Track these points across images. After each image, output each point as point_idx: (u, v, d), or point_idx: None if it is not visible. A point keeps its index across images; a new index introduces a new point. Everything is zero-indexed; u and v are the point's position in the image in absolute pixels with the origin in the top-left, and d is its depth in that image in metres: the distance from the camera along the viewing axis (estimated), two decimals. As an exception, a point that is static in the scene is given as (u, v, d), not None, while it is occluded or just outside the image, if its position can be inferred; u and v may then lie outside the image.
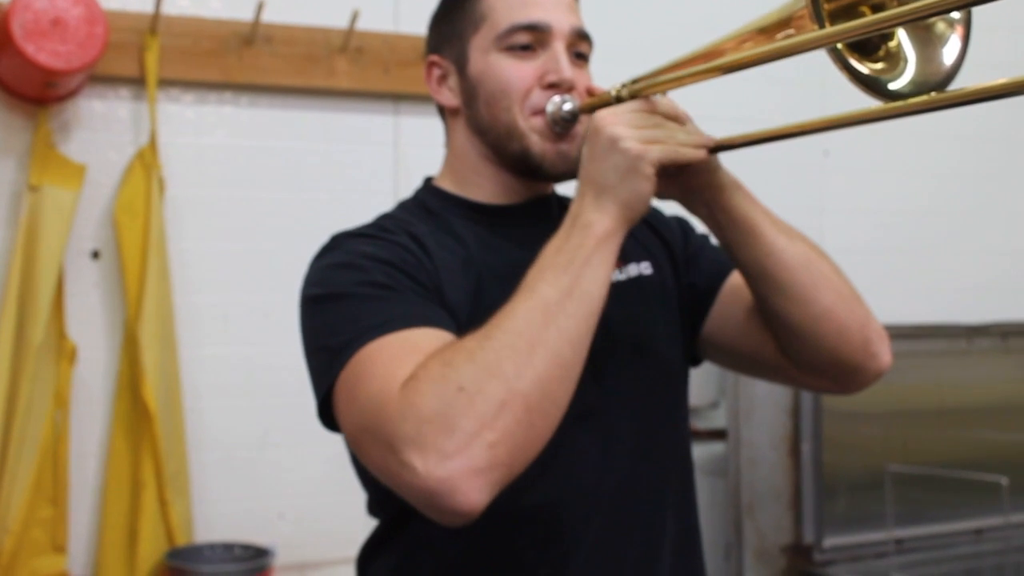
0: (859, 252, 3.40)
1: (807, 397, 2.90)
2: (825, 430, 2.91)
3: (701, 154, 1.19)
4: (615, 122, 1.16)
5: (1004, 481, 2.69)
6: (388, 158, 2.95)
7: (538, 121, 1.31)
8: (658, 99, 1.21)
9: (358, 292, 1.19)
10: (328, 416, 1.20)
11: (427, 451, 1.00)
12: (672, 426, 1.41)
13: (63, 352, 2.58)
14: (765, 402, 2.88)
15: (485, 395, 1.02)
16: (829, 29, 1.00)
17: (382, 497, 1.32)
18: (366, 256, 1.23)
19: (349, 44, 2.85)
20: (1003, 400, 3.30)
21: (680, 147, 1.17)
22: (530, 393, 1.04)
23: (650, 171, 1.14)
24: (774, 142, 1.21)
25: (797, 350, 1.33)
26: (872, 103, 1.07)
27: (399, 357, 1.09)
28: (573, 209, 1.18)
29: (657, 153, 1.15)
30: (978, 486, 2.83)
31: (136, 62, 2.67)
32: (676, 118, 1.20)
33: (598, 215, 1.15)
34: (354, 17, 2.80)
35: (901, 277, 3.55)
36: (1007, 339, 3.31)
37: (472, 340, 1.07)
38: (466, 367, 1.04)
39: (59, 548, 2.55)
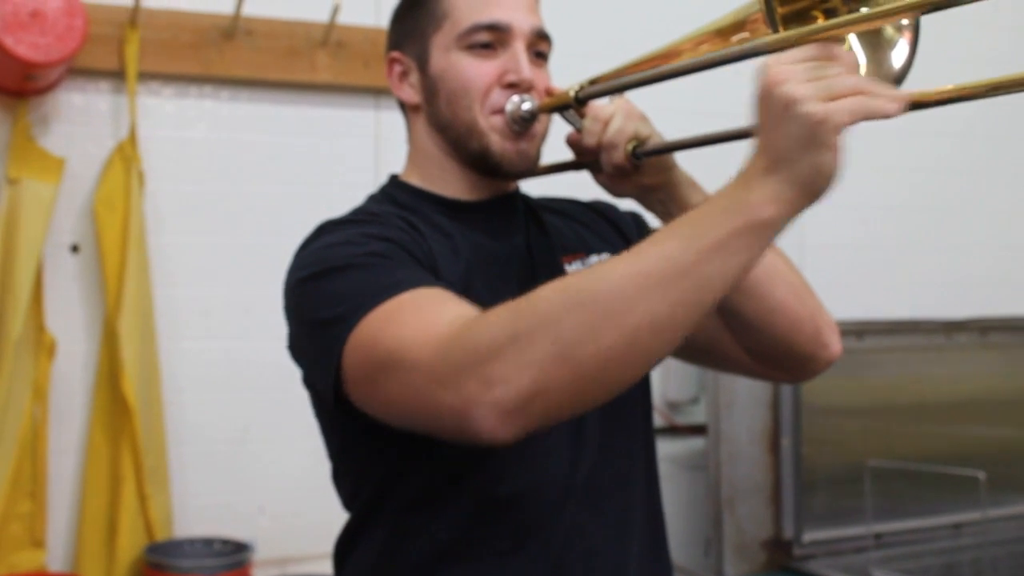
0: (839, 248, 3.41)
1: (787, 392, 2.90)
2: (804, 425, 2.91)
3: (896, 107, 0.95)
4: (788, 78, 0.94)
5: (982, 476, 2.70)
6: (369, 152, 2.95)
7: (498, 120, 1.32)
8: (835, 48, 0.97)
9: (361, 262, 1.17)
10: (338, 388, 1.15)
11: (464, 376, 0.98)
12: (636, 416, 1.43)
13: (42, 346, 2.58)
14: (745, 397, 2.88)
15: (534, 349, 0.96)
16: (783, 34, 1.00)
17: (357, 484, 1.35)
18: (362, 234, 1.22)
19: (330, 38, 2.84)
20: (982, 395, 3.30)
21: (871, 100, 0.93)
22: (584, 363, 0.96)
23: (835, 140, 0.93)
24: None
25: (751, 342, 1.36)
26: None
27: (428, 307, 1.08)
28: (740, 175, 0.99)
29: (845, 115, 0.92)
30: (956, 481, 2.84)
31: (116, 55, 2.67)
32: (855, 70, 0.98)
33: (762, 194, 0.95)
34: (335, 11, 2.80)
35: (880, 272, 3.56)
36: (986, 334, 3.31)
37: (549, 288, 1.00)
38: (528, 317, 0.98)
39: (38, 543, 2.55)
